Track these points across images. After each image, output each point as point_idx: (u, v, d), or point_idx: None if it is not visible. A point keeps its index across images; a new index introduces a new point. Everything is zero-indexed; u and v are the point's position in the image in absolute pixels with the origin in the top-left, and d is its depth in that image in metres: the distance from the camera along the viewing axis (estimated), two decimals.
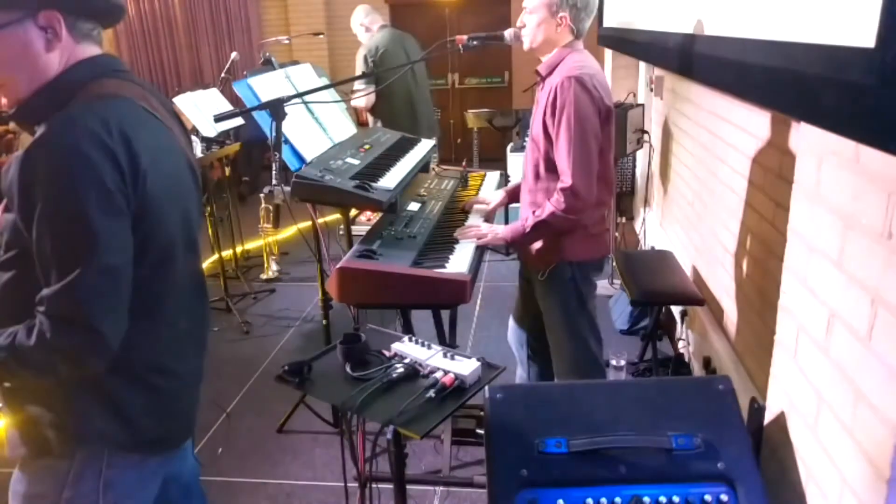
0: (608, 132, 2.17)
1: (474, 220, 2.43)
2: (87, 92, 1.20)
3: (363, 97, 4.15)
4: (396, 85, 4.32)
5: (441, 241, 2.23)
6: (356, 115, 5.05)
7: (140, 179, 1.17)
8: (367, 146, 2.72)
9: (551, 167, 2.18)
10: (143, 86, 1.32)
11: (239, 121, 4.05)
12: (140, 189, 1.18)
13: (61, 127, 1.13)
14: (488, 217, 2.50)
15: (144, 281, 1.22)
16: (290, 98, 2.14)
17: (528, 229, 2.18)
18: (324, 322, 2.95)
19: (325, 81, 2.88)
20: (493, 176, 3.04)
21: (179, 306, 1.34)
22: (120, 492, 1.30)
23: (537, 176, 2.27)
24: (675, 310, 3.51)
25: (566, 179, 2.08)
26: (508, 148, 6.25)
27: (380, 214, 2.44)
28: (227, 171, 4.90)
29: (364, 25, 4.50)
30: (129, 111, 1.21)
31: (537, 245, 2.29)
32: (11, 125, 5.26)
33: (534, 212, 2.20)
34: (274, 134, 2.03)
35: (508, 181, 3.07)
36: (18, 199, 1.13)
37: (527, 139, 2.34)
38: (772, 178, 2.28)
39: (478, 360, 1.53)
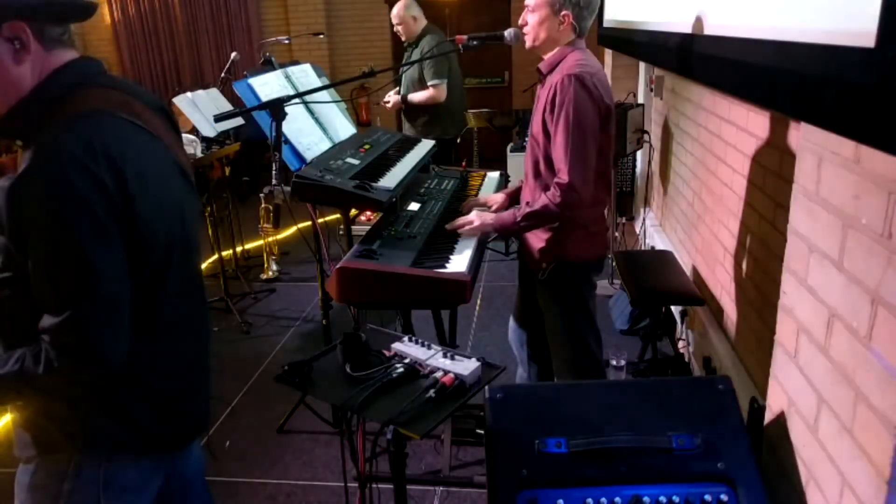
0: (607, 131, 2.17)
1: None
2: (67, 107, 1.17)
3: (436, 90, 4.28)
4: (454, 80, 4.42)
5: (441, 241, 2.23)
6: (357, 114, 5.05)
7: (129, 202, 1.16)
8: (367, 146, 2.72)
9: (550, 165, 2.18)
10: (123, 88, 1.28)
11: (239, 121, 4.05)
12: (130, 212, 1.16)
13: (46, 158, 1.10)
14: None
15: (144, 293, 1.22)
16: (290, 98, 2.14)
17: (518, 218, 2.18)
18: (324, 322, 2.95)
19: (325, 81, 2.88)
20: (493, 176, 3.03)
21: (179, 310, 1.34)
22: (120, 487, 1.30)
23: (537, 174, 2.27)
24: (675, 310, 3.51)
25: (563, 175, 2.08)
26: (508, 148, 6.25)
27: (380, 214, 2.44)
28: (227, 171, 4.89)
29: (415, 17, 4.39)
30: (111, 129, 1.18)
31: (538, 245, 2.29)
32: None
33: (527, 203, 2.20)
34: (274, 134, 2.03)
35: (508, 181, 3.07)
36: (9, 230, 1.12)
37: (527, 139, 2.34)
38: (772, 178, 2.28)
39: (478, 360, 1.53)
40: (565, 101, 2.07)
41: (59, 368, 1.13)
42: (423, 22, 4.41)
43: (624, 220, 5.05)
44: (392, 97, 4.42)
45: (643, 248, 4.51)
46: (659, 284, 2.94)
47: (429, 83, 4.27)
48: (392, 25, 4.53)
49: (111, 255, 1.14)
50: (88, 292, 1.12)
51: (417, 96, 4.32)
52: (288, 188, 2.17)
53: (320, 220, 2.58)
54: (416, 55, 4.35)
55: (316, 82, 2.84)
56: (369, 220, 4.06)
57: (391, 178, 2.42)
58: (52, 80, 1.18)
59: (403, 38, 4.46)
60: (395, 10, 4.37)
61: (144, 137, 1.26)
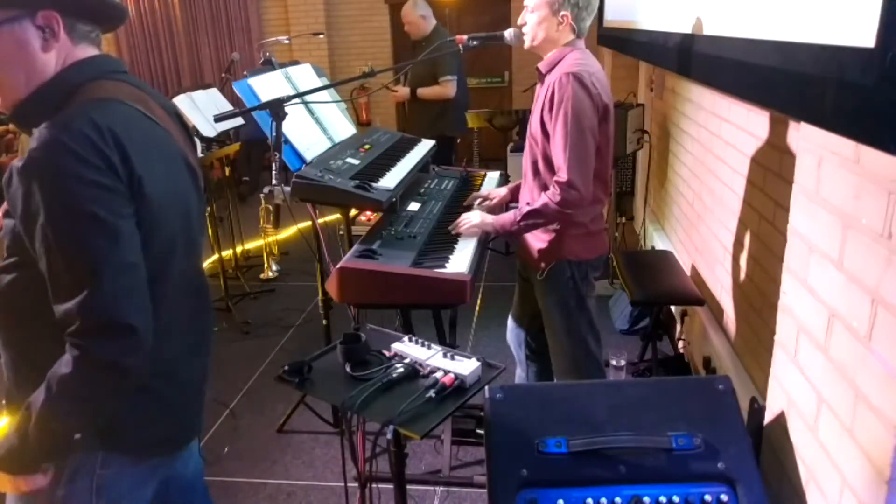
0: (606, 130, 2.17)
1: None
2: (82, 94, 1.19)
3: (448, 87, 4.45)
4: (461, 78, 4.61)
5: (441, 241, 2.23)
6: (357, 114, 5.08)
7: (135, 184, 1.16)
8: (367, 146, 2.72)
9: (549, 164, 2.18)
10: (141, 87, 1.31)
11: (239, 121, 4.05)
12: (136, 194, 1.17)
13: (56, 131, 1.11)
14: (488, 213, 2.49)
15: None
16: (290, 98, 2.14)
17: (518, 218, 2.18)
18: (324, 322, 2.94)
19: (325, 81, 2.88)
20: (492, 176, 3.04)
21: (178, 309, 1.33)
22: (114, 492, 1.29)
23: (536, 173, 2.27)
24: (675, 310, 3.50)
25: (562, 174, 2.08)
26: (508, 148, 6.25)
27: (380, 214, 2.44)
28: (227, 171, 4.90)
29: (423, 16, 4.51)
30: (122, 114, 1.20)
31: (536, 244, 2.29)
32: (11, 125, 5.25)
33: (528, 203, 2.20)
34: (274, 134, 2.03)
35: (508, 181, 3.07)
36: (21, 209, 1.12)
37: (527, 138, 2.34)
38: (772, 178, 2.28)
39: (478, 360, 1.53)
40: (563, 100, 2.07)
41: (89, 356, 1.10)
42: (432, 21, 4.52)
43: (624, 220, 5.05)
44: (401, 88, 4.56)
45: (643, 248, 4.51)
46: (659, 284, 2.94)
47: (440, 79, 4.40)
48: (392, 25, 4.64)
49: (124, 224, 1.14)
50: (108, 260, 1.10)
51: (427, 91, 4.46)
52: (288, 188, 2.17)
53: (320, 220, 2.58)
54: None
55: (316, 82, 2.84)
56: (369, 220, 4.06)
57: (391, 178, 2.42)
58: (73, 70, 1.21)
59: (413, 37, 4.56)
60: (404, 9, 4.50)
61: (154, 128, 1.27)
